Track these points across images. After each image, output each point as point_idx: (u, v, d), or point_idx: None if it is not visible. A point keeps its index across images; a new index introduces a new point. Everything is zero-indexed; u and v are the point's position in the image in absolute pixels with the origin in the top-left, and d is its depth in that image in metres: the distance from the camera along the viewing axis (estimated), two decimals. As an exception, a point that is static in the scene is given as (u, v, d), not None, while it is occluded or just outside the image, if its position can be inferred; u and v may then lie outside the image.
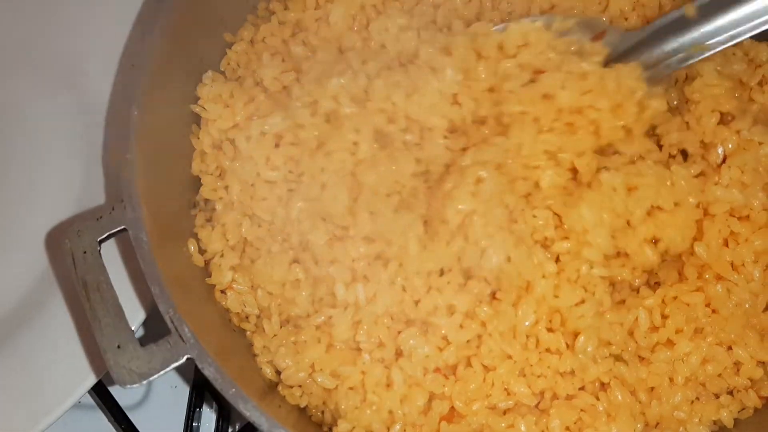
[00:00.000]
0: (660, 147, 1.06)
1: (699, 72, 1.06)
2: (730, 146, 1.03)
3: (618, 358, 1.00)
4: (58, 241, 1.21)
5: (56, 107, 1.31)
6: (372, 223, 1.01)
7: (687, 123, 1.06)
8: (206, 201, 1.11)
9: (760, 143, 1.03)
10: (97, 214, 1.00)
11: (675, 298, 1.00)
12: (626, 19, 1.12)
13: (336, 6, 1.14)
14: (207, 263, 1.09)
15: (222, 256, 1.08)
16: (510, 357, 0.99)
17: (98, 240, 0.99)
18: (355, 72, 1.05)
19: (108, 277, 0.98)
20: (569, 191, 1.01)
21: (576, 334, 0.99)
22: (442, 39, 1.06)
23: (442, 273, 1.01)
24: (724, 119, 1.06)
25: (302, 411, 1.04)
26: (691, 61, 1.02)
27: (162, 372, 0.94)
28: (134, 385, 0.93)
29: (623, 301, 1.02)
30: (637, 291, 1.02)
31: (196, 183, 1.12)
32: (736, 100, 1.06)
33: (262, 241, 1.07)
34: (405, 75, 1.05)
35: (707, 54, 1.01)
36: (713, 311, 1.01)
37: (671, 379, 1.00)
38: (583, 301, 0.99)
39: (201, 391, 1.27)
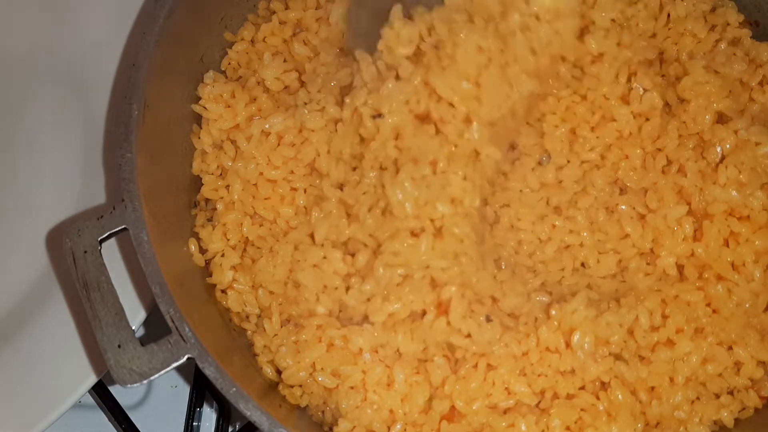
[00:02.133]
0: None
1: (686, 70, 1.07)
2: (727, 146, 1.04)
3: (618, 357, 1.00)
4: (58, 240, 1.20)
5: (57, 106, 1.30)
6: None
7: (684, 122, 1.06)
8: (207, 200, 1.11)
9: (758, 143, 1.03)
10: (98, 214, 1.00)
11: (675, 297, 1.01)
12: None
13: (336, 6, 1.14)
14: (208, 263, 1.09)
15: (223, 255, 1.08)
16: (514, 356, 0.99)
17: (99, 239, 0.99)
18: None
19: (108, 276, 0.98)
20: None
21: (572, 331, 0.99)
22: None
23: None
24: (722, 119, 1.06)
25: (303, 410, 1.04)
26: None
27: (162, 371, 0.94)
28: (135, 385, 0.93)
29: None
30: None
31: (197, 182, 1.12)
32: (729, 99, 1.06)
33: (264, 240, 1.07)
34: None
35: None
36: (714, 311, 1.01)
37: (671, 379, 1.00)
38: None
39: (201, 390, 1.27)
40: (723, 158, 1.04)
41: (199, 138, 1.12)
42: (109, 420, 1.25)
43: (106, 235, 0.99)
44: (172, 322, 0.95)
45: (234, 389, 0.93)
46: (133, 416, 1.23)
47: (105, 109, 1.28)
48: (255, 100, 1.11)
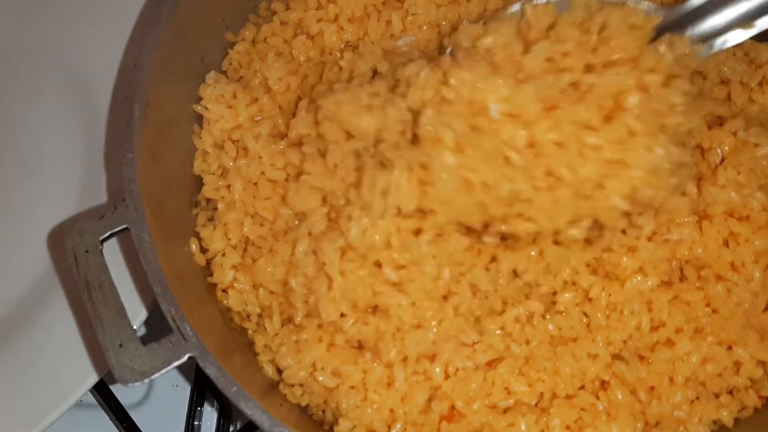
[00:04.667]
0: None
1: None
2: (726, 148, 1.04)
3: (618, 357, 1.01)
4: (60, 240, 1.21)
5: (58, 106, 1.31)
6: None
7: None
8: (208, 200, 1.12)
9: (757, 144, 1.03)
10: (99, 213, 1.00)
11: (675, 297, 1.01)
12: None
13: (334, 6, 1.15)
14: (209, 262, 1.09)
15: (224, 255, 1.08)
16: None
17: (100, 239, 0.99)
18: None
19: (110, 276, 0.98)
20: None
21: None
22: None
23: None
24: (721, 121, 1.07)
25: (303, 410, 1.05)
26: (731, 44, 0.95)
27: (164, 370, 0.94)
28: (136, 384, 0.94)
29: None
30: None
31: (198, 182, 1.12)
32: (720, 103, 1.06)
33: (264, 240, 1.07)
34: None
35: (751, 33, 0.93)
36: (713, 311, 1.01)
37: (671, 379, 1.00)
38: None
39: (202, 389, 1.27)
40: (723, 160, 1.04)
41: (201, 138, 1.12)
42: (110, 419, 1.25)
43: (108, 234, 1.00)
44: (173, 321, 0.95)
45: (235, 388, 0.93)
46: (134, 415, 1.23)
47: (106, 109, 1.28)
48: (256, 100, 1.11)
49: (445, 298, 1.00)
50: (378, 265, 0.99)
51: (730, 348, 1.01)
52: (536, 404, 1.00)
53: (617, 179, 0.90)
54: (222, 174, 1.11)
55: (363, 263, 0.99)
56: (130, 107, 1.02)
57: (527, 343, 1.00)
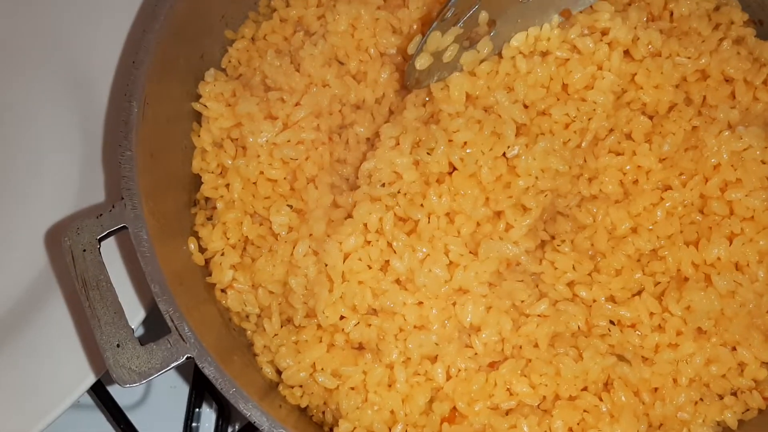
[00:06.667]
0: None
1: None
2: (723, 147, 1.03)
3: (621, 358, 1.00)
4: (57, 238, 1.21)
5: (57, 105, 1.30)
6: None
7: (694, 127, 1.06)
8: (207, 199, 1.11)
9: (750, 147, 1.02)
10: (97, 212, 1.00)
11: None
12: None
13: (339, 5, 1.14)
14: (207, 262, 1.09)
15: (222, 254, 1.07)
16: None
17: (98, 238, 0.99)
18: None
19: (107, 275, 0.98)
20: None
21: None
22: None
23: None
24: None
25: (303, 411, 1.04)
26: None
27: (162, 371, 0.93)
28: (134, 385, 0.93)
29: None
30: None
31: (197, 181, 1.11)
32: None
33: (263, 239, 1.07)
34: None
35: None
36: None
37: (675, 380, 1.00)
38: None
39: (200, 390, 1.27)
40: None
41: (199, 136, 1.12)
42: (108, 420, 1.25)
43: (105, 233, 0.99)
44: (172, 321, 0.94)
45: (234, 389, 0.93)
46: (132, 416, 1.23)
47: (105, 106, 1.28)
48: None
49: (454, 304, 1.00)
50: (383, 269, 0.99)
51: (734, 349, 1.01)
52: (539, 406, 0.99)
53: None
54: (221, 173, 1.11)
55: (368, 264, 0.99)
56: (128, 105, 1.02)
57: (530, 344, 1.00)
